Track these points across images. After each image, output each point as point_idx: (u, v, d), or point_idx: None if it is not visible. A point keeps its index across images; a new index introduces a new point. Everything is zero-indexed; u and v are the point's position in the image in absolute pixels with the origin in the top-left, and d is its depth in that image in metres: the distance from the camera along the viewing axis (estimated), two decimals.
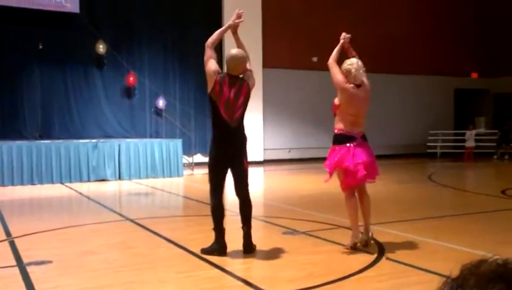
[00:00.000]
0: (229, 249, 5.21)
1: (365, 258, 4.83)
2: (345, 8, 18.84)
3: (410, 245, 5.42)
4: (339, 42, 5.57)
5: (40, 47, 14.52)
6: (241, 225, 5.23)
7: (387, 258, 4.82)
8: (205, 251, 5.14)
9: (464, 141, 19.18)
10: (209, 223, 5.39)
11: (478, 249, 4.97)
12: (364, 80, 5.41)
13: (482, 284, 0.77)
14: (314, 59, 17.50)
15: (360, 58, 5.42)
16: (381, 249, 5.17)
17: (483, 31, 22.10)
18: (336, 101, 5.39)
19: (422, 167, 17.18)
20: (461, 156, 18.82)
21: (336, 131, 5.36)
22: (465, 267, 0.82)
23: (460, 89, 22.19)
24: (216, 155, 5.17)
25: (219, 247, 5.15)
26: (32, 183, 11.72)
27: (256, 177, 14.84)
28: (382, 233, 5.94)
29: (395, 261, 4.73)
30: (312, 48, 17.60)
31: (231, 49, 5.26)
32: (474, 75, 22.51)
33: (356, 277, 4.28)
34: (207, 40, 5.26)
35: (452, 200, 9.72)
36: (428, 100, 21.11)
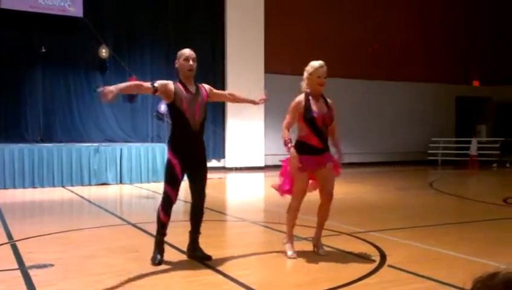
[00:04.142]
0: (230, 254, 5.21)
1: (367, 265, 4.82)
2: (349, 16, 18.87)
3: (412, 252, 5.41)
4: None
5: (43, 50, 14.58)
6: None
7: (389, 266, 4.81)
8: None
9: (467, 148, 19.20)
10: (210, 228, 5.39)
11: (479, 257, 4.96)
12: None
13: None
14: None
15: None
16: (382, 256, 5.16)
17: (485, 39, 22.15)
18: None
19: (423, 174, 17.17)
20: (462, 163, 18.81)
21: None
22: (478, 279, 0.82)
23: (462, 96, 22.21)
24: None
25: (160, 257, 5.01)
26: (34, 187, 11.72)
27: (257, 183, 14.83)
28: (383, 240, 5.94)
29: (397, 268, 4.72)
30: (314, 54, 17.52)
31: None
32: (476, 83, 22.54)
33: (359, 283, 4.27)
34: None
35: (454, 207, 9.70)
36: (429, 108, 21.14)
